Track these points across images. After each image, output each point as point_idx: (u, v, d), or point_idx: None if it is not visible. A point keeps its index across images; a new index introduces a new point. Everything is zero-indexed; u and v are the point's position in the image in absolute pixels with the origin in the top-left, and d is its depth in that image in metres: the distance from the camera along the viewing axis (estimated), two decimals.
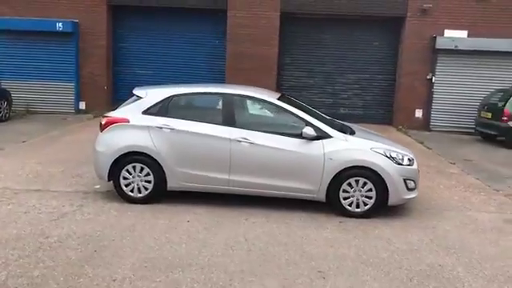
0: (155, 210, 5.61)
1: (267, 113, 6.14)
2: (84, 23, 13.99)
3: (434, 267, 4.34)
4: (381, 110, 14.62)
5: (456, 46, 13.36)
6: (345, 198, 5.70)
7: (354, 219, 5.61)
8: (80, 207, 5.63)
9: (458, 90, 13.87)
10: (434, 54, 13.71)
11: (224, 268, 4.08)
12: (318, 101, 14.00)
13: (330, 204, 5.76)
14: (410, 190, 5.79)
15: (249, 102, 6.08)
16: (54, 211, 5.44)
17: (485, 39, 13.30)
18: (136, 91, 6.20)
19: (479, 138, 13.04)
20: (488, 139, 12.65)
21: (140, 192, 5.85)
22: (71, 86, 14.30)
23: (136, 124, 5.84)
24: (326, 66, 14.54)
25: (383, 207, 5.74)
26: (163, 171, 5.77)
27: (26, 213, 5.34)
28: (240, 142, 5.66)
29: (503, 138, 11.82)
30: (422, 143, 11.58)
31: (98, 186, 6.54)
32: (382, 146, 5.87)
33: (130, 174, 5.83)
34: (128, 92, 14.13)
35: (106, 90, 14.34)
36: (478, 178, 8.23)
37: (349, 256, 4.50)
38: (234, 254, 4.42)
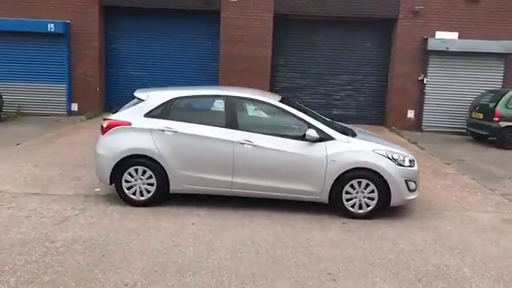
0: (158, 213, 5.59)
1: (269, 115, 6.15)
2: (76, 24, 13.87)
3: (440, 268, 4.40)
4: (373, 111, 14.76)
5: (447, 48, 13.54)
6: (347, 200, 5.74)
7: (356, 220, 5.66)
8: (82, 211, 5.58)
9: (449, 91, 14.06)
10: (426, 55, 13.89)
11: (234, 271, 4.08)
12: (311, 102, 14.05)
13: (332, 205, 5.80)
14: (411, 190, 5.86)
15: (251, 105, 6.10)
16: (56, 215, 5.39)
17: (475, 41, 13.51)
18: (137, 93, 6.17)
19: (470, 138, 13.24)
20: (479, 139, 12.86)
21: (142, 195, 5.82)
22: (63, 87, 14.16)
23: (138, 127, 5.81)
24: (319, 67, 14.63)
25: (385, 208, 5.79)
26: (166, 174, 5.75)
27: (27, 217, 5.28)
28: (243, 144, 5.67)
29: (494, 138, 12.02)
30: (415, 144, 11.70)
31: (98, 189, 6.49)
32: (383, 147, 5.93)
33: (132, 176, 5.80)
34: (121, 93, 14.34)
35: (98, 91, 14.23)
36: (473, 178, 8.35)
37: (356, 257, 4.54)
38: (242, 256, 4.43)
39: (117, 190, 5.88)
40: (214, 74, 14.17)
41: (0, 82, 13.44)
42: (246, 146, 5.67)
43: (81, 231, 4.89)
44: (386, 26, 14.33)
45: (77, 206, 5.78)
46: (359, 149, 5.79)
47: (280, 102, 6.08)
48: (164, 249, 4.52)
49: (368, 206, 5.75)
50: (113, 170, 5.78)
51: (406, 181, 5.77)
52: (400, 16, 13.77)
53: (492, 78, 13.88)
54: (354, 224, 5.55)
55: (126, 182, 5.81)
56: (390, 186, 5.67)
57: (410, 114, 14.25)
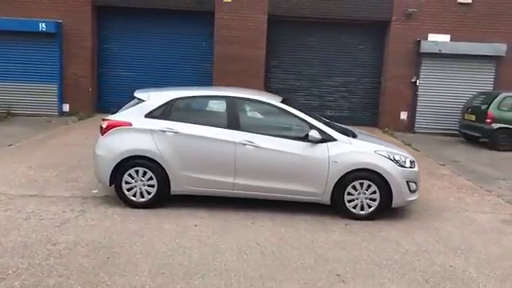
0: (159, 215, 5.53)
1: (271, 116, 6.12)
2: (68, 24, 13.69)
3: (446, 268, 4.42)
4: (366, 113, 14.83)
5: (440, 50, 13.67)
6: (349, 201, 5.74)
7: (359, 221, 5.66)
8: (82, 213, 5.49)
9: (441, 93, 14.18)
10: (419, 57, 14.00)
11: (242, 273, 4.05)
12: (305, 103, 14.05)
13: (334, 207, 5.79)
14: (412, 192, 5.88)
15: (253, 105, 6.07)
16: (55, 217, 5.29)
17: (467, 43, 13.67)
18: (138, 94, 6.10)
19: (462, 139, 13.37)
20: (471, 141, 12.99)
21: (143, 196, 5.76)
22: (54, 87, 13.94)
23: (139, 127, 5.74)
24: (313, 69, 14.66)
25: (387, 209, 5.81)
26: (167, 175, 5.69)
27: (26, 219, 5.17)
28: (245, 145, 5.64)
29: (487, 140, 12.14)
30: (409, 145, 11.76)
31: (95, 191, 6.40)
32: (385, 148, 5.94)
33: (133, 178, 5.72)
34: (113, 94, 14.22)
35: (90, 91, 14.06)
36: (468, 180, 8.43)
37: (362, 258, 4.54)
38: (248, 258, 4.39)
39: (116, 192, 5.80)
40: (207, 75, 14.10)
41: None
42: (247, 146, 5.64)
43: (82, 233, 4.81)
44: (379, 29, 14.41)
45: (76, 207, 5.69)
46: (361, 150, 5.80)
47: (281, 102, 6.06)
48: (169, 251, 4.46)
49: (370, 207, 5.76)
50: (113, 171, 5.70)
51: (407, 182, 5.79)
52: (393, 18, 13.86)
53: (483, 80, 14.04)
54: (356, 225, 5.55)
55: (126, 183, 5.73)
56: (391, 187, 5.69)
57: (403, 115, 14.35)
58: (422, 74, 14.10)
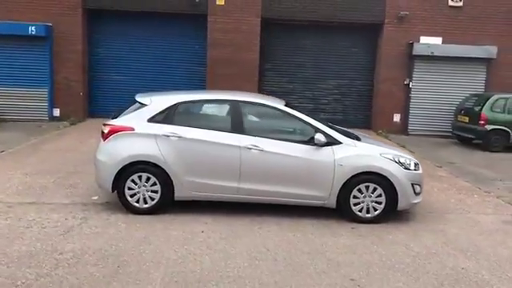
0: (164, 221, 5.43)
1: (275, 120, 6.05)
2: (58, 27, 13.49)
3: (458, 271, 4.41)
4: (360, 115, 14.88)
5: (432, 53, 13.79)
6: (355, 204, 5.72)
7: (365, 225, 5.64)
8: (85, 220, 5.37)
9: (433, 95, 14.31)
10: (411, 60, 14.11)
11: (257, 280, 3.98)
12: (299, 106, 13.98)
13: (339, 210, 5.76)
14: (416, 194, 5.88)
15: (257, 109, 6.00)
16: (58, 225, 5.16)
17: (458, 46, 13.82)
18: (139, 98, 5.99)
19: (455, 141, 13.49)
20: (464, 142, 13.13)
21: (146, 203, 5.65)
22: (44, 92, 13.73)
23: (142, 132, 5.64)
24: (307, 72, 14.68)
25: (392, 212, 5.79)
26: (171, 181, 5.60)
27: (28, 228, 5.04)
28: (250, 149, 5.58)
29: (480, 141, 12.26)
30: (403, 147, 11.79)
31: (95, 197, 6.28)
32: (390, 151, 5.95)
33: (136, 184, 5.62)
34: (105, 98, 14.04)
35: (81, 96, 13.86)
36: (467, 181, 8.49)
37: (374, 262, 4.51)
38: (260, 264, 4.33)
39: (119, 198, 5.69)
40: (201, 78, 14.02)
41: None
42: (253, 151, 5.58)
43: (88, 241, 4.70)
44: (372, 31, 14.50)
45: (77, 215, 5.56)
46: (367, 153, 5.78)
47: (285, 106, 6.02)
48: (179, 258, 4.38)
49: (375, 210, 5.74)
50: (115, 177, 5.59)
51: (412, 184, 5.78)
52: (386, 21, 13.95)
53: (475, 81, 14.21)
54: (363, 228, 5.53)
55: (129, 189, 5.63)
56: (397, 189, 5.67)
57: (396, 117, 14.44)
58: (415, 76, 14.22)
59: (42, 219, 5.34)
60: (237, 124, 5.72)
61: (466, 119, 12.46)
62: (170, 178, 5.59)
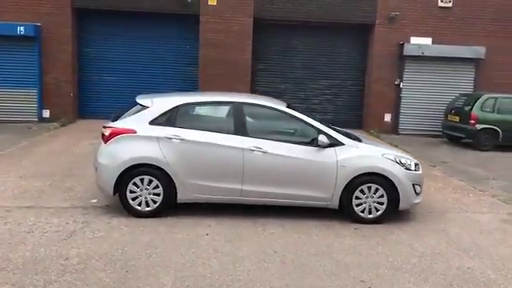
0: (167, 224, 5.39)
1: (277, 121, 6.04)
2: (47, 27, 13.27)
3: (464, 271, 4.46)
4: (351, 115, 14.97)
5: (422, 53, 13.95)
6: (357, 205, 5.75)
7: (367, 225, 5.67)
8: (86, 224, 5.30)
9: (423, 95, 14.47)
10: (402, 60, 14.24)
11: (268, 282, 3.98)
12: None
13: (341, 211, 5.78)
14: (417, 194, 5.94)
15: (259, 110, 5.97)
16: (59, 230, 5.08)
17: (448, 46, 14.00)
18: (140, 100, 5.93)
19: (445, 140, 13.67)
20: (454, 141, 13.30)
21: (148, 206, 5.60)
22: (34, 93, 13.50)
23: (144, 135, 5.58)
24: (298, 72, 14.71)
25: (394, 212, 5.84)
26: (173, 183, 5.56)
27: (29, 232, 4.95)
28: (253, 151, 5.57)
29: (470, 141, 12.44)
30: (396, 146, 11.91)
31: (94, 200, 6.20)
32: (391, 152, 6.00)
33: (138, 187, 5.56)
34: (95, 99, 13.88)
35: (72, 97, 13.66)
36: (461, 180, 8.60)
37: (381, 263, 4.54)
38: (269, 267, 4.32)
39: (121, 201, 5.62)
40: (193, 79, 13.96)
41: None
42: (256, 152, 5.57)
43: (93, 246, 4.63)
44: (363, 32, 14.60)
45: (78, 219, 5.48)
46: (369, 154, 5.82)
47: (287, 107, 6.02)
48: (187, 262, 4.35)
49: (377, 210, 5.78)
50: (117, 180, 5.53)
51: (413, 185, 5.84)
52: (377, 22, 14.05)
53: (464, 81, 14.41)
54: (365, 229, 5.56)
55: (131, 192, 5.57)
56: (398, 190, 5.72)
57: (387, 117, 14.56)
58: (405, 76, 14.36)
59: (42, 224, 5.25)
60: (239, 126, 5.70)
61: (457, 119, 12.62)
62: (173, 181, 5.55)
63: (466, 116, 12.20)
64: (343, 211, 5.77)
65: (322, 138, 5.60)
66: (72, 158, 8.87)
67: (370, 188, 5.72)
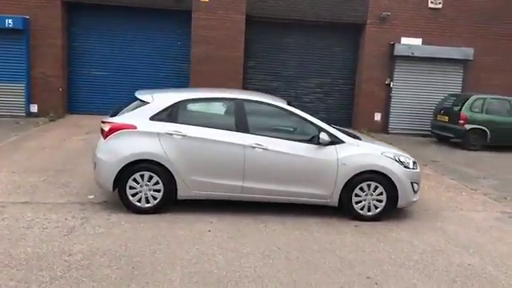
0: (167, 221, 5.35)
1: (279, 118, 6.04)
2: (35, 20, 13.00)
3: (466, 267, 4.54)
4: (342, 114, 15.06)
5: (412, 53, 14.10)
6: (357, 202, 5.79)
7: (367, 223, 5.72)
8: (86, 220, 5.23)
9: (413, 95, 14.64)
10: (392, 60, 14.37)
11: (275, 279, 3.98)
12: None
13: (341, 208, 5.82)
14: (415, 192, 6.01)
15: (261, 107, 5.95)
16: (59, 225, 5.00)
17: (437, 47, 14.19)
18: (140, 96, 5.87)
19: (434, 139, 13.86)
20: (442, 141, 13.50)
21: (148, 202, 5.56)
22: (21, 87, 13.20)
23: (144, 130, 5.53)
24: (290, 70, 14.74)
25: (392, 210, 5.90)
26: (174, 179, 5.52)
27: (29, 228, 4.87)
28: (254, 148, 5.56)
29: (459, 140, 12.64)
30: (391, 144, 12.03)
31: (91, 196, 6.13)
32: (391, 150, 6.06)
33: (138, 183, 5.51)
34: (85, 94, 13.67)
35: (60, 91, 13.43)
36: (453, 179, 8.74)
37: (384, 260, 4.58)
38: (275, 263, 4.33)
39: (120, 197, 5.57)
40: (184, 75, 13.86)
41: None
42: (257, 149, 5.57)
43: (95, 242, 4.57)
44: (354, 31, 14.69)
45: (77, 214, 5.41)
46: (369, 152, 5.87)
47: (288, 105, 6.03)
48: (192, 258, 4.33)
49: (376, 208, 5.83)
50: (116, 175, 5.47)
51: (411, 183, 5.91)
52: (368, 22, 14.15)
53: (452, 82, 14.62)
54: (365, 226, 5.61)
55: (131, 188, 5.51)
56: (397, 188, 5.79)
57: (377, 116, 14.69)
58: (396, 76, 14.49)
59: (41, 219, 5.16)
60: (241, 122, 5.69)
61: (446, 119, 12.81)
62: (173, 177, 5.51)
63: (455, 116, 12.39)
64: (343, 209, 5.81)
65: (323, 136, 5.63)
66: (64, 154, 8.74)
67: (369, 186, 5.77)
